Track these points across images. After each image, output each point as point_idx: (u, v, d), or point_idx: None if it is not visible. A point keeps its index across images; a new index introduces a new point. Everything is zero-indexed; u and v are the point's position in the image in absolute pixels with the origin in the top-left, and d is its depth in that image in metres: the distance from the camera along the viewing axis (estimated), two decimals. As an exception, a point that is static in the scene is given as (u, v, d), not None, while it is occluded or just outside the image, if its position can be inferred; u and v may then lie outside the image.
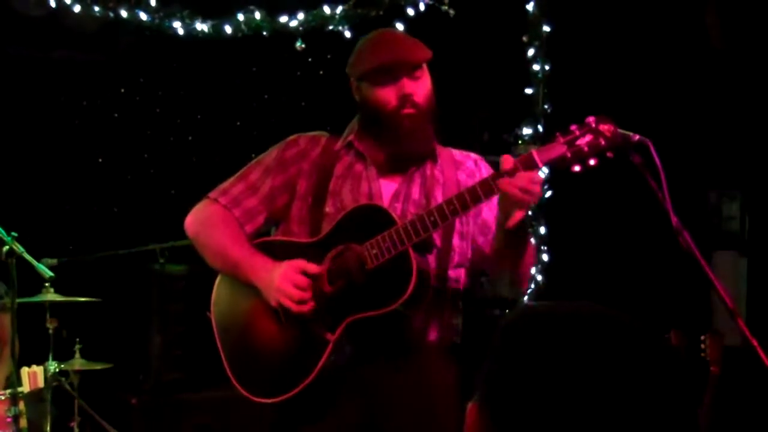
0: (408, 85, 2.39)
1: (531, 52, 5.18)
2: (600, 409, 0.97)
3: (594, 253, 5.44)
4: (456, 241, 2.44)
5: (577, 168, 2.20)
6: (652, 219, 2.61)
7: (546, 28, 5.16)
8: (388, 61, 2.39)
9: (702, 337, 3.86)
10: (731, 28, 5.52)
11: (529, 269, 2.45)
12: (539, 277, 5.11)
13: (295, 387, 2.32)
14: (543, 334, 1.02)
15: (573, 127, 2.21)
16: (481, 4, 5.33)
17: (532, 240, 2.43)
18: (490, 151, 4.94)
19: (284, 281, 2.31)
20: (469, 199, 2.23)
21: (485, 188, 2.23)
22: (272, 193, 2.51)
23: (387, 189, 2.47)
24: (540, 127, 5.05)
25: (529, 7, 5.22)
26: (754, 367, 2.09)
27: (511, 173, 2.18)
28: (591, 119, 2.21)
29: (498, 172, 2.24)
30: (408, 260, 2.26)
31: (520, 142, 5.05)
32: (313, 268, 2.33)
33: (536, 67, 5.17)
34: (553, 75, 5.17)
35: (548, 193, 5.12)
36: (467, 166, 2.53)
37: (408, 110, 2.39)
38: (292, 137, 2.57)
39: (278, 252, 2.42)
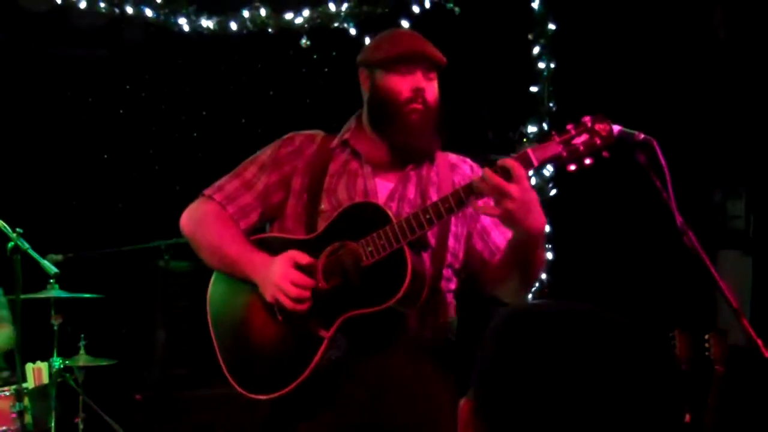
0: (422, 80, 2.41)
1: (536, 50, 5.18)
2: (589, 408, 0.98)
3: (598, 251, 5.43)
4: (451, 241, 2.45)
5: (572, 167, 2.20)
6: (657, 218, 2.61)
7: (551, 26, 5.16)
8: (409, 51, 2.41)
9: (706, 336, 3.85)
10: (737, 27, 5.51)
11: (535, 279, 2.42)
12: (543, 276, 5.11)
13: (290, 384, 2.32)
14: (534, 332, 1.03)
15: (569, 126, 2.22)
16: (486, 2, 5.33)
17: (544, 250, 2.38)
18: (495, 150, 4.96)
19: (282, 278, 2.31)
20: (464, 195, 2.23)
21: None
22: (267, 190, 2.51)
23: (383, 188, 2.47)
24: (545, 125, 5.06)
25: (535, 5, 5.22)
26: (758, 366, 2.09)
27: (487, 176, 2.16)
28: (587, 118, 2.21)
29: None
30: (403, 258, 2.25)
31: (524, 140, 5.05)
32: (305, 258, 2.34)
33: (541, 65, 5.17)
34: (558, 73, 5.17)
35: (552, 192, 5.13)
36: (463, 170, 2.53)
37: (417, 105, 2.40)
38: (287, 135, 2.59)
39: (274, 248, 2.42)
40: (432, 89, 2.43)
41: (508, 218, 2.17)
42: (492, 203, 2.18)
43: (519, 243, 2.28)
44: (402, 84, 2.41)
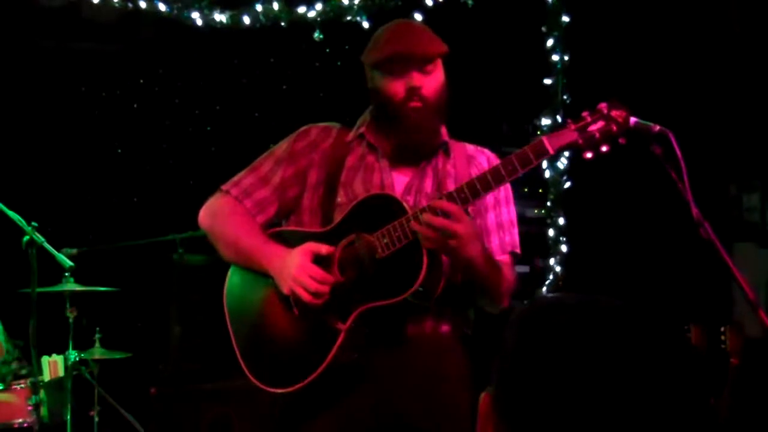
0: (417, 78, 2.37)
1: (550, 42, 5.16)
2: (611, 400, 0.97)
3: (613, 244, 5.41)
4: None
5: (589, 155, 2.20)
6: (672, 210, 2.60)
7: (565, 19, 5.14)
8: (399, 53, 2.37)
9: (722, 329, 3.84)
10: (753, 21, 5.48)
11: (502, 294, 2.41)
12: (558, 269, 5.10)
13: (307, 377, 2.32)
14: (554, 325, 1.02)
15: (584, 114, 2.20)
16: (499, -6, 5.32)
17: (493, 269, 2.39)
18: (510, 142, 4.95)
19: (301, 272, 2.31)
20: (479, 186, 2.22)
21: (496, 176, 2.22)
22: (283, 184, 2.51)
23: (399, 181, 2.46)
24: (559, 118, 5.04)
25: (548, -4, 5.20)
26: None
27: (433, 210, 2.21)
28: (603, 105, 2.20)
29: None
30: (419, 250, 2.25)
31: (539, 132, 5.04)
32: (324, 248, 2.33)
33: (555, 57, 5.15)
34: (572, 65, 5.15)
35: (567, 184, 5.11)
36: (479, 161, 2.52)
37: (415, 103, 2.38)
38: (303, 128, 2.58)
39: (291, 241, 2.42)
40: (430, 83, 2.39)
41: (448, 252, 2.25)
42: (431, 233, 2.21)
43: (461, 269, 2.32)
44: (396, 85, 2.38)
